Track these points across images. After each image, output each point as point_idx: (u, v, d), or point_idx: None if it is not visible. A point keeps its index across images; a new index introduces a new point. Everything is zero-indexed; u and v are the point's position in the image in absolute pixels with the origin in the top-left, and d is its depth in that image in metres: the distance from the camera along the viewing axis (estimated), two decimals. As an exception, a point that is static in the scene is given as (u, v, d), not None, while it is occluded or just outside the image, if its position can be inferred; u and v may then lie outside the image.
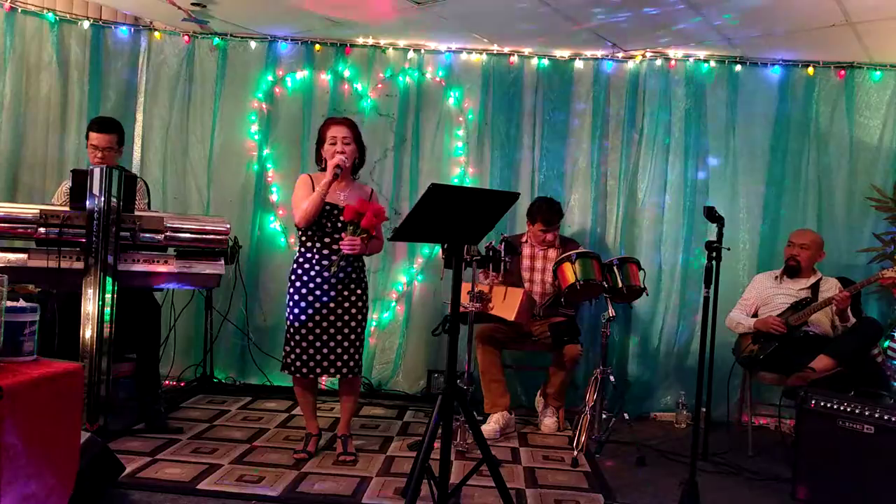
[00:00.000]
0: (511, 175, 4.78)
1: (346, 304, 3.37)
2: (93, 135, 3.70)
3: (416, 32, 4.63)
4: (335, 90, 4.86)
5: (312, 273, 3.34)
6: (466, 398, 2.69)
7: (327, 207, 3.32)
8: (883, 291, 4.33)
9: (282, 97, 4.91)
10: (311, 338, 3.32)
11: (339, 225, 3.33)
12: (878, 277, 3.75)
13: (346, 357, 3.37)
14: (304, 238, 3.39)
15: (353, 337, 3.39)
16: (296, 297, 3.34)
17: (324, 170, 3.44)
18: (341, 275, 3.34)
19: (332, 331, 3.34)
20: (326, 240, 3.35)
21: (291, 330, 3.35)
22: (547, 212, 4.23)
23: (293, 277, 3.37)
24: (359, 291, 3.42)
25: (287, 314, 3.37)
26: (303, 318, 3.32)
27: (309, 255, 3.36)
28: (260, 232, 4.90)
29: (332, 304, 3.34)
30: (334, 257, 3.31)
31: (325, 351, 3.34)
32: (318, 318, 3.32)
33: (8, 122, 4.55)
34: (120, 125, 3.85)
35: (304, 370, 3.34)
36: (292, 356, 3.35)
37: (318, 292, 3.33)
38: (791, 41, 4.26)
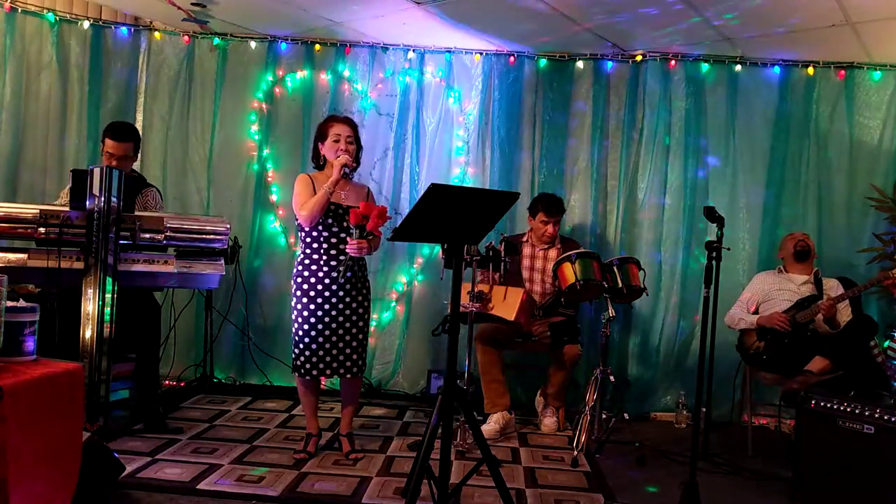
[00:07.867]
0: (511, 175, 4.78)
1: (354, 305, 3.37)
2: (109, 142, 3.64)
3: (416, 32, 4.63)
4: (335, 90, 4.86)
5: (321, 274, 3.31)
6: (466, 398, 2.68)
7: (332, 207, 3.30)
8: (883, 291, 4.33)
9: (282, 97, 4.91)
10: (320, 339, 3.31)
11: (345, 225, 3.31)
12: (886, 277, 3.73)
13: (354, 357, 3.38)
14: (308, 239, 3.35)
15: (360, 337, 3.41)
16: (304, 300, 3.31)
17: (321, 167, 3.43)
18: (349, 274, 3.33)
19: (340, 332, 3.33)
20: (333, 240, 3.33)
21: (301, 332, 3.32)
22: (549, 202, 4.28)
23: (300, 280, 3.33)
24: (364, 291, 3.44)
25: (295, 316, 3.34)
26: (312, 320, 3.30)
27: (315, 256, 3.33)
28: (260, 232, 4.90)
29: (340, 306, 3.33)
30: (342, 258, 3.30)
31: (334, 352, 3.33)
32: (327, 319, 3.31)
33: (8, 122, 4.55)
34: (137, 132, 3.80)
35: (315, 372, 3.33)
36: (301, 358, 3.33)
37: (326, 293, 3.31)
38: (791, 41, 4.26)
